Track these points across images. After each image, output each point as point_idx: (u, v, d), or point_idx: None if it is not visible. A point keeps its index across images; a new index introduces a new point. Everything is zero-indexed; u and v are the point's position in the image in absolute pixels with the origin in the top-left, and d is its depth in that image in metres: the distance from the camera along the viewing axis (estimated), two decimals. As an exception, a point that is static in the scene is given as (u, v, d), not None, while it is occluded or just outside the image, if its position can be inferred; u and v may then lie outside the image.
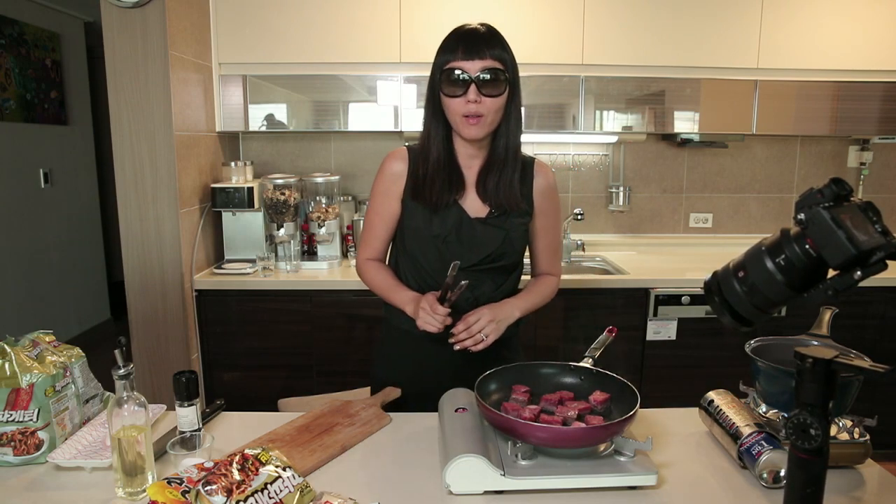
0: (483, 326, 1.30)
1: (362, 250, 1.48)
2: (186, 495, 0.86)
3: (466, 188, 1.40)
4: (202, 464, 0.92)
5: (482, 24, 1.33)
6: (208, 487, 0.84)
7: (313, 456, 1.11)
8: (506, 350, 1.45)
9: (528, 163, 1.44)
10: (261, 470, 0.89)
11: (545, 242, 1.49)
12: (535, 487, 1.00)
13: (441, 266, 1.37)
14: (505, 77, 1.29)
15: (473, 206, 1.39)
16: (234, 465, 0.89)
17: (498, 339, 1.35)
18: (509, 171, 1.37)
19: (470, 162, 1.40)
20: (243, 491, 0.85)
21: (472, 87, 1.27)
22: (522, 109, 1.40)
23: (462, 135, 1.33)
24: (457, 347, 1.30)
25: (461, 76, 1.27)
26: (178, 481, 0.88)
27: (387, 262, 1.52)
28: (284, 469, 0.91)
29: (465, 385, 1.26)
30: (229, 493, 0.84)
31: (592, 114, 2.63)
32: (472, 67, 1.27)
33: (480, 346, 1.30)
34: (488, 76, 1.27)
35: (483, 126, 1.30)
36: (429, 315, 1.27)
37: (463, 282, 1.27)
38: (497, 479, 0.99)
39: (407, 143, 1.46)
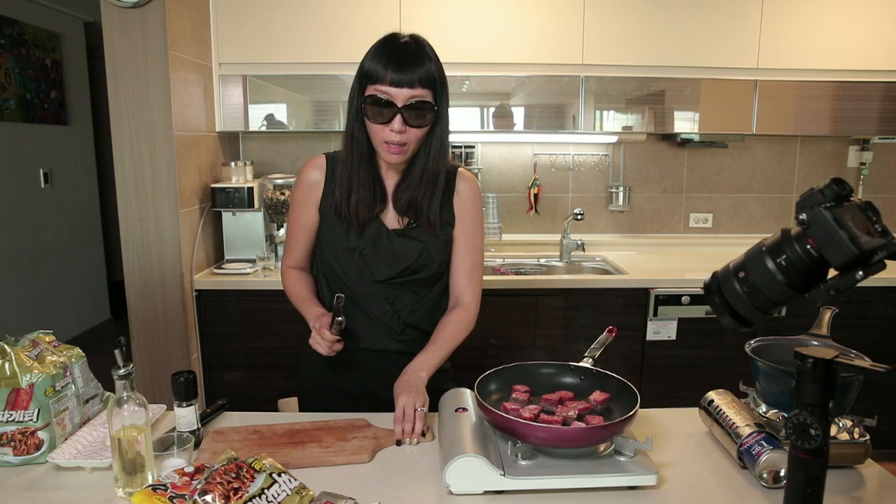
0: (413, 419, 1.20)
1: (285, 258, 1.47)
2: (174, 500, 0.85)
3: (387, 201, 1.36)
4: (182, 469, 0.92)
5: (412, 39, 1.25)
6: (205, 497, 0.84)
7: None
8: (439, 384, 1.36)
9: (452, 172, 1.38)
10: (255, 477, 0.89)
11: (463, 252, 1.40)
12: (535, 487, 1.00)
13: (358, 277, 1.36)
14: (431, 107, 1.24)
15: (391, 218, 1.36)
16: (229, 473, 0.88)
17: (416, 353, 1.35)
18: (424, 191, 1.32)
19: (387, 174, 1.37)
20: (241, 497, 0.85)
21: (398, 118, 1.21)
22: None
23: (383, 159, 1.30)
24: (409, 442, 1.19)
25: (387, 103, 1.21)
26: (164, 487, 0.88)
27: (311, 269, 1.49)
28: (279, 475, 0.91)
29: (388, 387, 1.27)
30: (227, 499, 0.84)
31: (592, 114, 2.63)
32: (399, 96, 1.20)
33: (420, 425, 1.20)
34: (414, 105, 1.21)
35: (405, 154, 1.27)
36: (318, 336, 1.25)
37: (339, 318, 1.25)
38: (497, 479, 0.99)
39: (325, 152, 1.41)
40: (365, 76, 1.24)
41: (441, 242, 1.37)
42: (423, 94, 1.22)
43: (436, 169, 1.31)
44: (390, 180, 1.36)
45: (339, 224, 1.35)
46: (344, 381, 1.42)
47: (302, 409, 1.55)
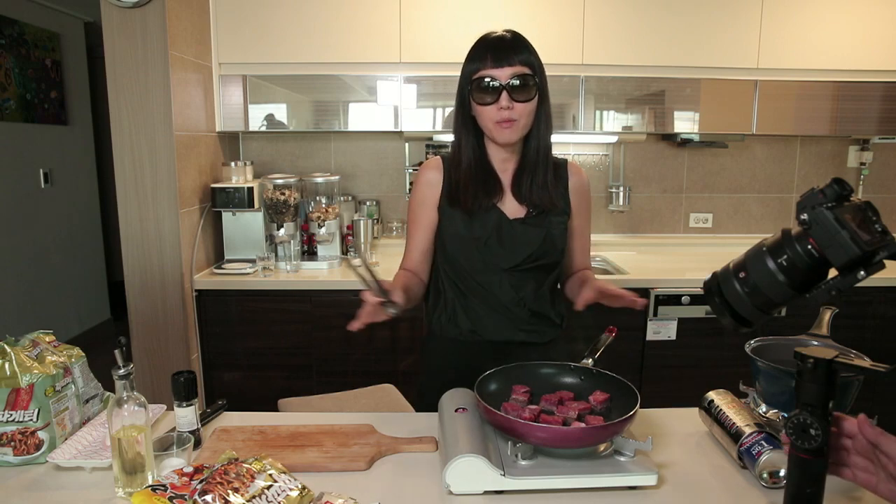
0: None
1: (403, 260, 1.51)
2: (174, 501, 0.85)
3: (504, 192, 1.42)
4: (181, 469, 0.92)
5: (507, 31, 1.34)
6: (205, 497, 0.83)
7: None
8: (553, 353, 1.46)
9: (562, 164, 1.47)
10: (255, 477, 0.89)
11: (581, 242, 1.52)
12: (535, 487, 1.00)
13: (483, 266, 1.39)
14: (534, 82, 1.31)
15: (511, 207, 1.41)
16: (230, 473, 0.88)
17: (541, 343, 1.45)
18: (542, 171, 1.40)
19: (504, 166, 1.42)
20: (241, 497, 0.85)
21: (504, 94, 1.29)
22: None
23: (497, 140, 1.35)
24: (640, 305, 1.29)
25: (492, 84, 1.29)
26: (163, 488, 0.87)
27: (429, 273, 1.52)
28: (280, 475, 0.91)
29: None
30: (226, 501, 0.84)
31: (592, 114, 2.63)
32: (502, 74, 1.29)
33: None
34: (518, 82, 1.29)
35: (517, 130, 1.33)
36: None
37: (392, 307, 1.19)
38: (497, 479, 0.99)
39: (441, 153, 1.48)
40: (470, 70, 1.33)
41: (560, 229, 1.43)
42: (524, 70, 1.30)
43: (547, 144, 1.40)
44: (507, 172, 1.42)
45: (462, 216, 1.39)
46: (467, 381, 1.41)
47: (420, 406, 1.55)
